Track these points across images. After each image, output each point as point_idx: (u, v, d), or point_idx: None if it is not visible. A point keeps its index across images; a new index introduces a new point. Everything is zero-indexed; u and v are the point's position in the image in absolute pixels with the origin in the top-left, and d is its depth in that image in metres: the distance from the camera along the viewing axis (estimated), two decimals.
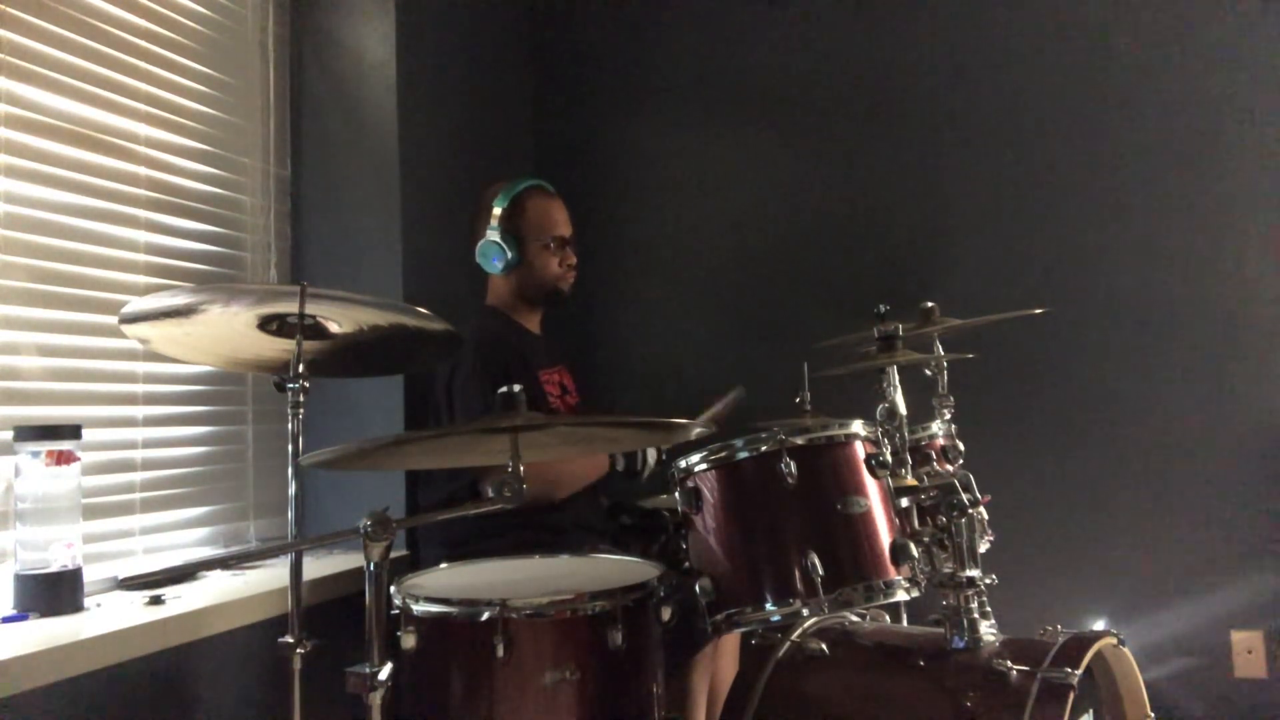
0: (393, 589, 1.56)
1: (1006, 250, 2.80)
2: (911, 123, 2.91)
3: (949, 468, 2.11)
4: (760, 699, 1.79)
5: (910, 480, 1.78)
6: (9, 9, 1.70)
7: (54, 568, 1.60)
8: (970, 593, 1.72)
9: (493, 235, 2.25)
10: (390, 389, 2.34)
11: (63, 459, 1.62)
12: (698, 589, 1.65)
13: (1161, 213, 2.69)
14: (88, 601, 1.67)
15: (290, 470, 1.55)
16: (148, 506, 1.96)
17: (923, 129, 2.89)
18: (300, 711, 1.48)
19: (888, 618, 2.07)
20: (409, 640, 1.48)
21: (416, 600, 1.50)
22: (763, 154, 3.06)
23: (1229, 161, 2.64)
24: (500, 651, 1.41)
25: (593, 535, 2.21)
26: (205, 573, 1.98)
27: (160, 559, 1.96)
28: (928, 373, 2.16)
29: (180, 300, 1.52)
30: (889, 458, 1.73)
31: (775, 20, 3.04)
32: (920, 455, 2.09)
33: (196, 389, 2.13)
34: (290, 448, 1.55)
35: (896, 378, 1.84)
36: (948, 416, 2.18)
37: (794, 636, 1.86)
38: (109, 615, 1.63)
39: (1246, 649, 2.55)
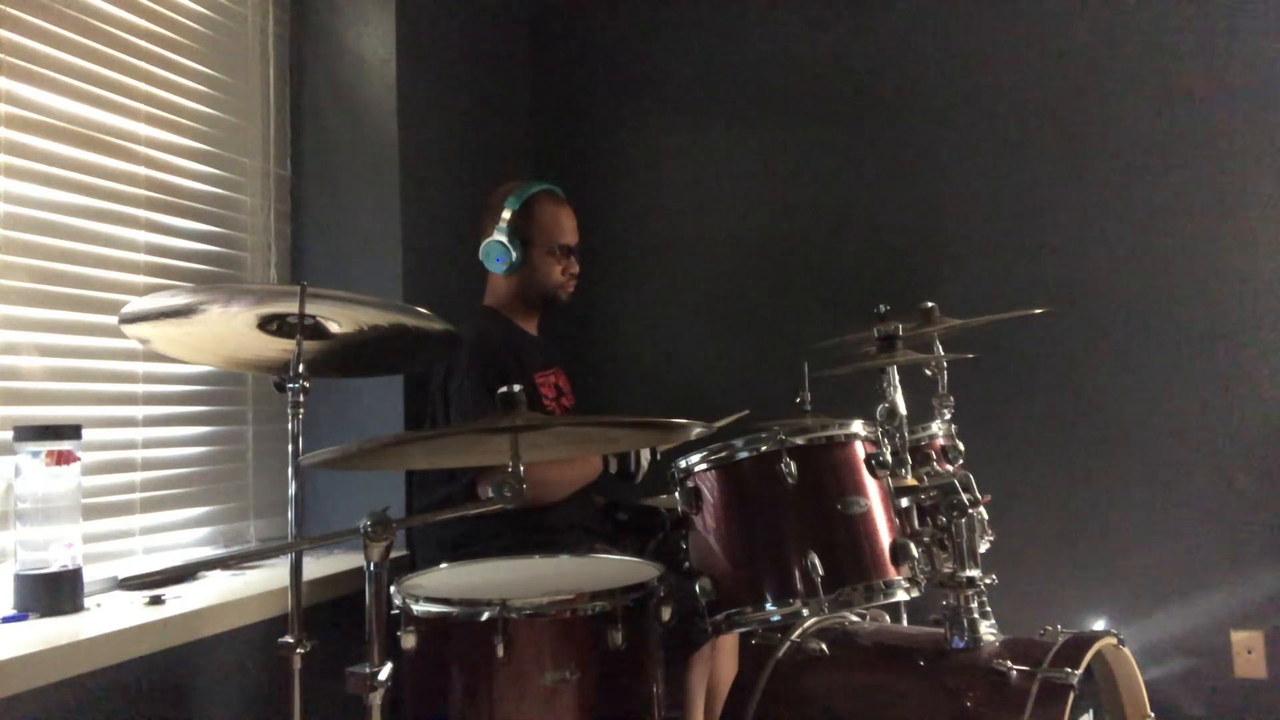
0: (393, 589, 1.56)
1: (1006, 250, 2.80)
2: (911, 123, 2.90)
3: (949, 468, 2.11)
4: (760, 699, 1.79)
5: (910, 480, 1.78)
6: (9, 9, 1.70)
7: (54, 568, 1.61)
8: (970, 593, 1.72)
9: (500, 235, 2.26)
10: (390, 389, 2.34)
11: (63, 459, 1.62)
12: (698, 589, 1.65)
13: (1162, 213, 2.69)
14: (88, 601, 1.67)
15: (290, 470, 1.55)
16: (148, 506, 1.96)
17: (923, 129, 2.89)
18: (300, 711, 1.48)
19: (888, 618, 2.07)
20: (409, 640, 1.48)
21: (416, 600, 1.50)
22: (762, 154, 3.05)
23: (1230, 160, 2.64)
24: (500, 651, 1.41)
25: (588, 535, 2.21)
26: (205, 573, 1.98)
27: (160, 559, 1.97)
28: (928, 373, 2.16)
29: (180, 300, 1.52)
30: (889, 458, 1.73)
31: (775, 20, 3.04)
32: (920, 455, 2.09)
33: (196, 389, 2.13)
34: (290, 448, 1.55)
35: (896, 378, 1.84)
36: (948, 416, 2.18)
37: (794, 636, 1.86)
38: (109, 615, 1.63)
39: (1246, 649, 2.55)
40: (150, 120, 2.01)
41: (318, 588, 1.96)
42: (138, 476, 1.95)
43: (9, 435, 1.61)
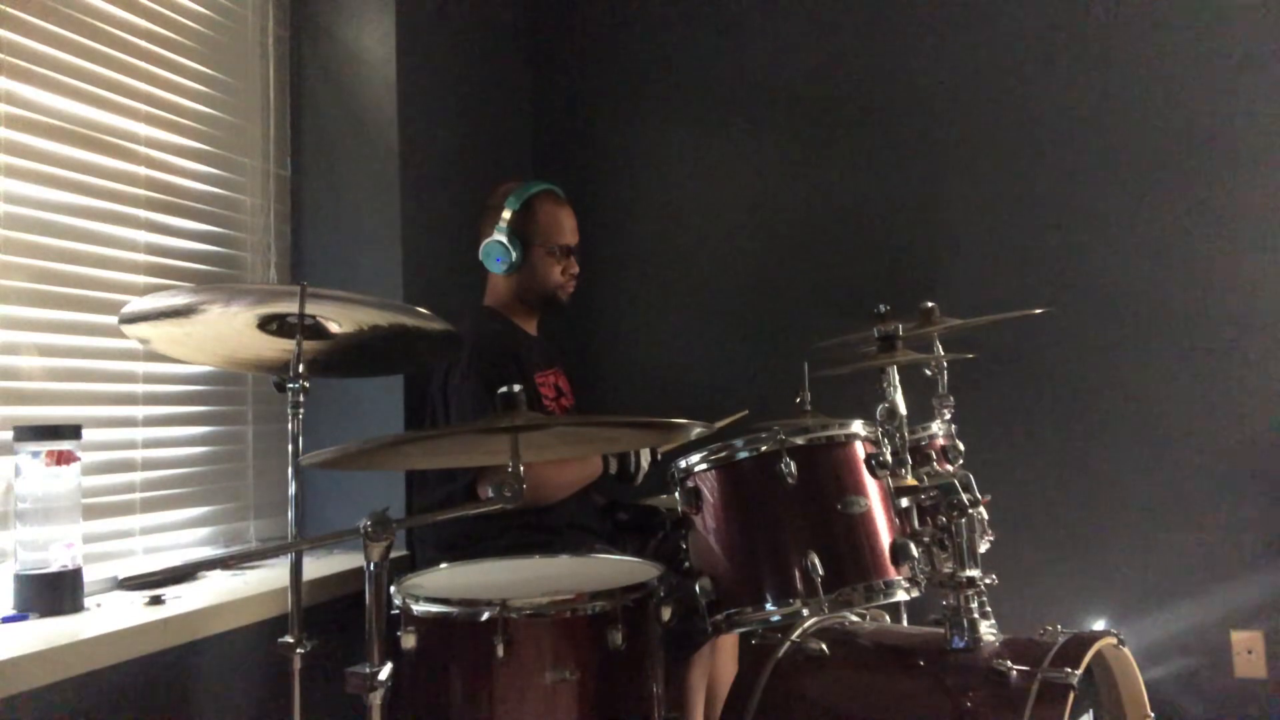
0: (392, 589, 1.56)
1: (1006, 250, 2.80)
2: (912, 123, 2.90)
3: (949, 468, 2.11)
4: (760, 699, 1.78)
5: (910, 480, 1.78)
6: (9, 9, 1.70)
7: (54, 568, 1.61)
8: (970, 593, 1.72)
9: (500, 235, 2.26)
10: (390, 389, 2.34)
11: (63, 459, 1.62)
12: (698, 589, 1.65)
13: (1162, 212, 2.69)
14: (88, 601, 1.67)
15: (290, 470, 1.55)
16: (148, 506, 1.96)
17: (923, 129, 2.89)
18: (300, 711, 1.48)
19: (888, 618, 2.07)
20: (409, 640, 1.48)
21: (416, 600, 1.50)
22: (762, 154, 3.05)
23: (1230, 161, 2.64)
24: (500, 651, 1.41)
25: (588, 535, 2.22)
26: (205, 573, 1.98)
27: (160, 559, 1.97)
28: (928, 373, 2.16)
29: (180, 300, 1.52)
30: (889, 458, 1.73)
31: (775, 20, 3.04)
32: (920, 455, 2.09)
33: (196, 389, 2.13)
34: (290, 448, 1.55)
35: (896, 378, 1.83)
36: (948, 416, 2.18)
37: (794, 636, 1.85)
38: (109, 615, 1.63)
39: (1246, 649, 2.55)
40: (150, 120, 2.01)
41: (318, 588, 1.96)
42: (138, 476, 1.95)
43: (9, 435, 1.61)
